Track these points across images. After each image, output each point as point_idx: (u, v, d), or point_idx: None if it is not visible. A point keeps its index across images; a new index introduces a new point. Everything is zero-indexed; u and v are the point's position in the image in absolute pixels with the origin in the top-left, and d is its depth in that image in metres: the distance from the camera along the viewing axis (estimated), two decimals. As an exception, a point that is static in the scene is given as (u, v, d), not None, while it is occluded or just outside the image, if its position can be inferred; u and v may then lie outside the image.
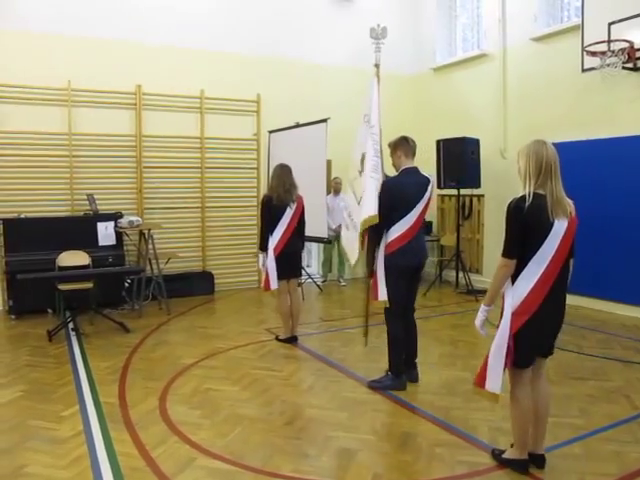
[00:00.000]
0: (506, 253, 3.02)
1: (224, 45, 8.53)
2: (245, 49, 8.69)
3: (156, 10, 8.09)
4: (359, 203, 4.53)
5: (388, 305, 4.41)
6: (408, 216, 4.34)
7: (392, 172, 4.66)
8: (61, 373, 4.91)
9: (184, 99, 8.33)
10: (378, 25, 4.70)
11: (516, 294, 3.01)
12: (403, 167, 4.47)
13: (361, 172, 4.57)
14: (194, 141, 8.44)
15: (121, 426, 3.81)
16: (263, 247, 5.70)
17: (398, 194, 4.34)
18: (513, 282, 3.03)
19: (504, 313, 3.04)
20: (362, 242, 4.51)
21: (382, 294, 4.37)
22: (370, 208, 4.34)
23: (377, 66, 4.69)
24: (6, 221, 7.00)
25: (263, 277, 5.72)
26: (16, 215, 7.14)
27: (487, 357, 3.11)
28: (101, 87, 7.77)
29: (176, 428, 3.78)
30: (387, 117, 8.74)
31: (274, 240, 5.58)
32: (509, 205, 3.00)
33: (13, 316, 6.93)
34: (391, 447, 3.55)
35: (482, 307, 3.17)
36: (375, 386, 4.51)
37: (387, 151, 4.58)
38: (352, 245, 4.66)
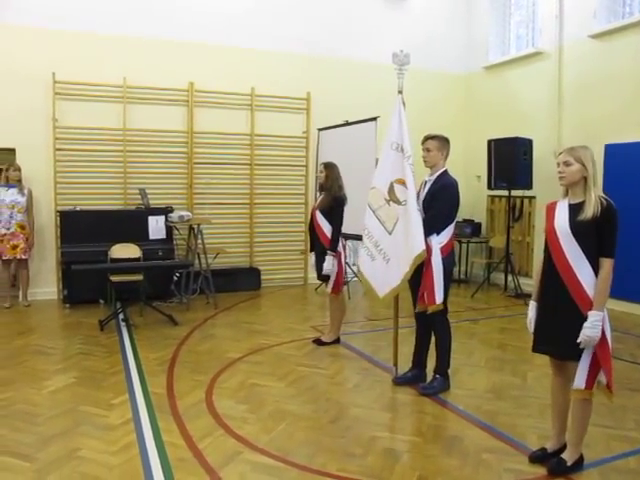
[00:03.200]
0: (614, 254, 3.03)
1: (275, 43, 8.57)
2: (296, 47, 8.72)
3: (208, 9, 8.21)
4: (391, 233, 4.41)
5: (442, 307, 4.36)
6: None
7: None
8: (112, 362, 5.04)
9: (235, 96, 8.42)
10: (401, 51, 4.59)
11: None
12: (444, 168, 4.43)
13: (389, 201, 4.42)
14: (244, 138, 8.53)
15: (169, 417, 3.88)
16: (335, 248, 5.51)
17: (459, 194, 4.36)
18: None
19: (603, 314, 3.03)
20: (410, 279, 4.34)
21: (439, 297, 4.31)
22: (420, 244, 4.18)
23: (400, 92, 4.58)
24: (62, 213, 7.25)
25: (332, 280, 5.55)
26: (72, 208, 7.37)
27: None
28: (155, 84, 7.93)
29: (222, 421, 3.82)
30: (436, 116, 8.84)
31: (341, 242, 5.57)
32: (610, 206, 3.00)
33: (67, 305, 7.17)
34: (437, 450, 3.51)
35: (596, 315, 2.99)
36: (429, 392, 4.44)
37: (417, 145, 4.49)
38: (384, 278, 4.46)
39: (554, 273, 3.11)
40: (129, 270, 6.48)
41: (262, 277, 8.57)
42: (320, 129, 8.75)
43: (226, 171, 8.42)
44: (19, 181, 7.17)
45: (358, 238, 7.50)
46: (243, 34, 8.39)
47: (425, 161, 4.47)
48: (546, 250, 3.20)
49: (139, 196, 7.57)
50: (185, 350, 5.43)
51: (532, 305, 3.29)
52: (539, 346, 3.26)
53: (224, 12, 8.30)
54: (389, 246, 4.43)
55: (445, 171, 4.44)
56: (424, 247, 4.20)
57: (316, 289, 8.44)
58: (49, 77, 7.46)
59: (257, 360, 5.17)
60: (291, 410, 4.05)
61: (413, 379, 4.62)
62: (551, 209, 3.21)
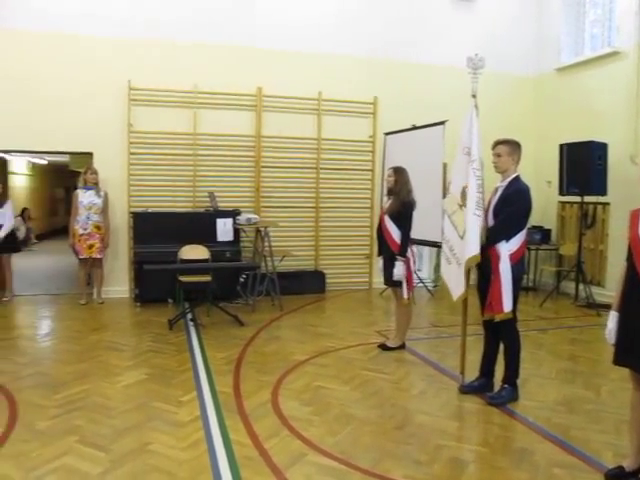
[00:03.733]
0: None
1: (341, 47, 8.61)
2: (362, 51, 8.73)
3: (276, 15, 8.33)
4: (462, 238, 4.38)
5: (511, 316, 4.26)
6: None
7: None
8: (180, 360, 5.18)
9: (302, 101, 8.50)
10: (476, 55, 4.51)
11: None
12: (515, 174, 4.32)
13: (462, 206, 4.41)
14: (311, 142, 8.60)
15: (235, 415, 3.95)
16: (405, 253, 5.44)
17: (531, 201, 4.28)
18: None
19: None
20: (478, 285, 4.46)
21: (508, 305, 4.21)
22: (474, 247, 4.23)
23: (474, 96, 4.50)
24: (135, 215, 7.53)
25: (405, 286, 5.46)
26: (144, 209, 7.64)
27: None
28: (224, 90, 8.12)
29: (287, 422, 3.85)
30: (503, 120, 8.63)
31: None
32: None
33: (138, 304, 7.43)
34: (505, 462, 3.41)
35: None
36: (497, 402, 4.33)
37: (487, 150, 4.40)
38: (457, 281, 4.50)
39: (637, 282, 2.98)
40: (198, 271, 6.65)
41: (327, 280, 8.61)
42: (387, 133, 8.72)
43: (293, 175, 8.51)
44: (96, 184, 7.49)
45: (425, 243, 7.48)
46: (310, 39, 8.47)
47: (496, 166, 4.37)
48: (629, 258, 3.07)
49: (208, 199, 7.76)
50: (251, 351, 5.52)
51: (613, 315, 3.16)
52: (621, 358, 3.12)
53: (292, 18, 8.41)
54: (460, 250, 4.42)
55: (517, 177, 4.32)
56: (478, 251, 4.20)
57: (381, 293, 8.41)
58: (125, 84, 7.78)
59: (322, 363, 5.19)
60: (356, 414, 4.05)
61: (480, 388, 4.53)
62: (635, 216, 3.08)
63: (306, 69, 8.50)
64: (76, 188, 9.20)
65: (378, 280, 8.65)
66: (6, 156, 9.29)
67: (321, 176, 8.66)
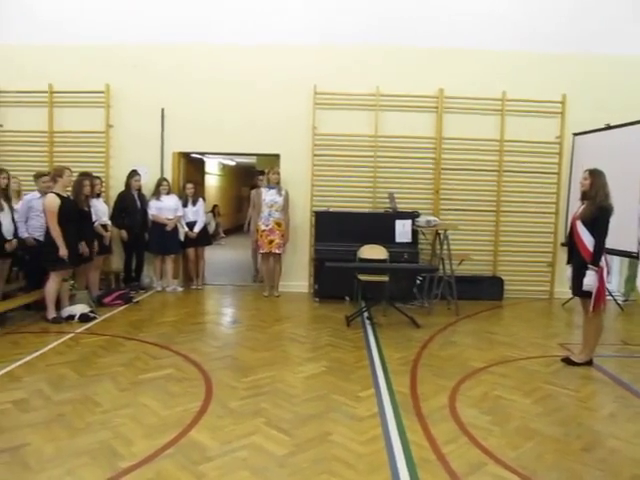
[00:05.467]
0: None
1: (526, 44, 8.18)
2: (549, 47, 8.21)
3: (457, 13, 8.15)
4: None
5: None
6: None
7: None
8: (358, 356, 5.30)
9: (485, 101, 8.25)
10: None
11: None
12: None
13: None
14: (493, 144, 8.31)
15: (413, 416, 3.95)
16: (598, 262, 5.03)
17: None
18: None
19: None
20: None
21: None
22: None
23: None
24: (317, 214, 7.86)
25: (593, 297, 5.03)
26: (325, 209, 7.95)
27: None
28: (406, 92, 8.16)
29: (466, 429, 3.76)
30: None
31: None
32: None
33: (316, 299, 7.74)
34: None
35: None
36: None
37: None
38: None
39: None
40: (376, 271, 6.76)
41: (505, 287, 8.26)
42: (576, 134, 8.15)
43: (473, 177, 8.30)
44: (278, 183, 7.93)
45: (616, 253, 6.87)
46: (493, 37, 8.16)
47: None
48: None
49: (387, 200, 7.85)
50: (427, 353, 5.48)
51: None
52: None
53: (473, 16, 8.15)
54: None
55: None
56: None
57: (563, 304, 7.88)
58: (311, 89, 8.16)
59: (501, 372, 4.99)
60: (539, 429, 3.83)
61: None
62: None
63: (489, 68, 8.25)
64: (254, 187, 9.85)
65: (560, 290, 8.19)
66: (204, 158, 10.20)
67: (503, 179, 8.33)
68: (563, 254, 8.31)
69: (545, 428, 3.86)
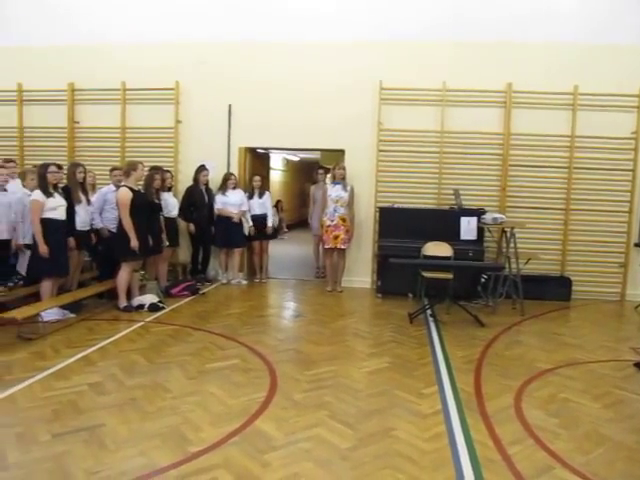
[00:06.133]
0: None
1: (600, 36, 7.83)
2: (625, 39, 7.84)
3: (528, 8, 7.93)
4: None
5: None
6: None
7: None
8: (421, 353, 5.28)
9: (555, 96, 7.99)
10: None
11: None
12: None
13: None
14: (564, 139, 8.04)
15: (477, 415, 3.91)
16: None
17: None
18: None
19: None
20: None
21: None
22: None
23: None
24: (382, 209, 7.85)
25: None
26: (390, 205, 7.92)
27: None
28: (473, 87, 8.02)
29: (532, 431, 3.69)
30: None
31: None
32: None
33: (379, 295, 7.75)
34: None
35: None
36: None
37: None
38: None
39: None
40: (441, 268, 6.69)
41: (573, 288, 8.00)
42: (654, 129, 7.81)
43: (542, 174, 8.05)
44: (343, 179, 7.95)
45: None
46: (562, 29, 7.88)
47: None
48: None
49: (452, 196, 7.75)
50: (491, 353, 5.39)
51: None
52: None
53: (546, 9, 7.93)
54: None
55: None
56: None
57: (636, 307, 7.57)
58: (376, 85, 8.15)
59: (569, 374, 4.85)
60: (609, 435, 3.71)
61: None
62: None
63: (560, 62, 7.97)
64: (314, 183, 9.90)
65: (633, 292, 7.92)
66: (269, 153, 10.34)
67: (574, 176, 8.05)
68: (636, 254, 8.04)
69: (616, 434, 3.73)
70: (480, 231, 7.48)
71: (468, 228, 7.41)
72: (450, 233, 7.35)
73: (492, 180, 8.14)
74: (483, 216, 7.36)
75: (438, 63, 8.11)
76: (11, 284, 6.33)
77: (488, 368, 4.92)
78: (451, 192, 7.82)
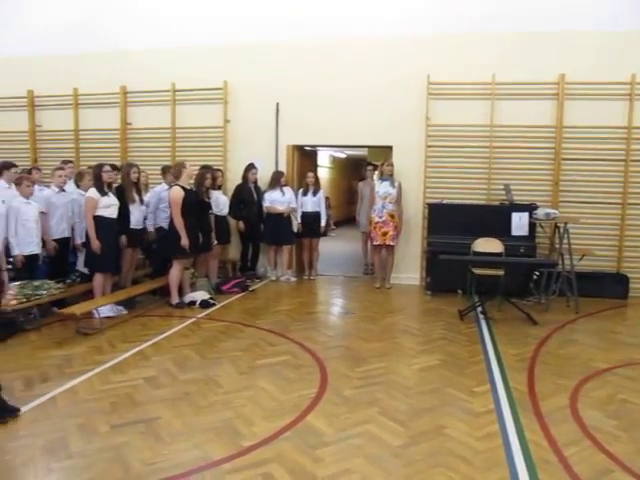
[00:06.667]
0: None
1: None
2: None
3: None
4: None
5: None
6: None
7: None
8: (472, 351, 5.21)
9: (610, 86, 7.72)
10: None
11: None
12: None
13: None
14: (620, 131, 7.76)
15: (531, 415, 3.83)
16: None
17: None
18: None
19: None
20: None
21: None
22: None
23: None
24: (430, 205, 7.77)
25: None
26: (439, 200, 7.84)
27: None
28: (523, 79, 7.84)
29: (589, 432, 3.59)
30: None
31: None
32: None
33: (428, 292, 7.68)
34: None
35: None
36: None
37: None
38: None
39: None
40: (491, 264, 6.58)
41: (631, 285, 7.72)
42: None
43: (597, 168, 7.79)
44: (391, 175, 7.90)
45: None
46: (617, 16, 7.59)
47: None
48: None
49: (503, 192, 7.60)
50: (545, 351, 5.27)
51: None
52: None
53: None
54: None
55: None
56: None
57: (699, 306, 7.27)
58: (424, 80, 8.06)
59: (628, 375, 4.69)
60: (673, 439, 3.59)
61: None
62: None
63: (615, 50, 7.67)
64: (362, 179, 9.86)
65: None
66: (317, 150, 10.37)
67: (631, 169, 7.76)
68: (699, 251, 7.72)
69: (680, 438, 3.60)
70: (532, 227, 7.31)
71: (519, 224, 7.26)
72: (501, 229, 7.21)
73: (544, 175, 7.93)
74: (535, 211, 7.19)
75: (487, 56, 7.94)
76: (69, 281, 6.57)
77: (542, 367, 4.82)
78: (501, 187, 7.68)
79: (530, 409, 3.93)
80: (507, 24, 7.84)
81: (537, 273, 7.40)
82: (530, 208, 7.31)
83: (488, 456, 3.27)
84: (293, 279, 8.58)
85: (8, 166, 6.48)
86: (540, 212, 7.07)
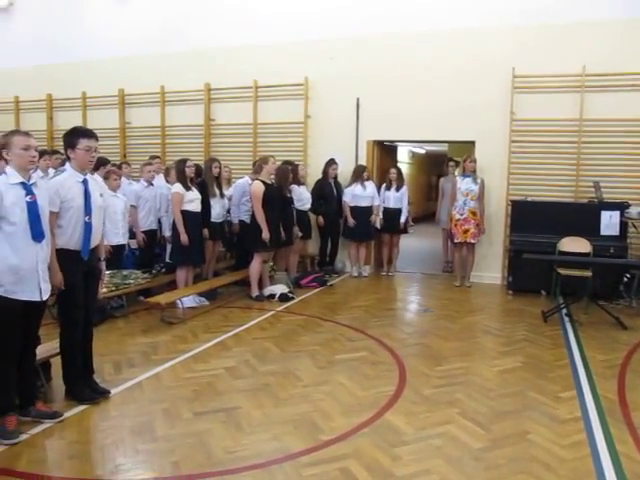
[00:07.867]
0: None
1: None
2: None
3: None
4: None
5: None
6: None
7: None
8: (556, 355, 5.02)
9: None
10: None
11: None
12: None
13: None
14: None
15: (622, 425, 3.64)
16: None
17: None
18: None
19: None
20: None
21: None
22: None
23: None
24: (514, 203, 7.53)
25: None
26: (523, 198, 7.59)
27: None
28: (616, 70, 7.42)
29: (686, 447, 3.39)
30: None
31: None
32: None
33: (510, 291, 7.46)
34: None
35: None
36: None
37: None
38: None
39: None
40: (578, 265, 6.31)
41: None
42: None
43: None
44: (474, 171, 7.71)
45: None
46: None
47: None
48: None
49: (592, 189, 7.26)
50: (637, 358, 4.98)
51: None
52: None
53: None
54: None
55: None
56: None
57: None
58: (509, 72, 7.80)
59: None
60: None
61: None
62: None
63: None
64: (441, 175, 9.67)
65: None
66: (396, 145, 10.28)
67: None
68: None
69: None
70: (623, 226, 6.94)
71: (610, 223, 6.91)
72: (589, 228, 6.90)
73: (638, 171, 7.51)
74: (627, 210, 6.82)
75: (577, 46, 7.56)
76: (154, 271, 6.84)
77: (633, 375, 4.56)
78: (590, 184, 7.33)
79: (621, 419, 3.74)
80: (597, 11, 7.43)
81: (628, 275, 7.02)
82: (622, 206, 6.94)
83: (575, 466, 3.14)
84: (365, 274, 8.53)
85: (104, 163, 6.82)
86: (633, 211, 6.70)
